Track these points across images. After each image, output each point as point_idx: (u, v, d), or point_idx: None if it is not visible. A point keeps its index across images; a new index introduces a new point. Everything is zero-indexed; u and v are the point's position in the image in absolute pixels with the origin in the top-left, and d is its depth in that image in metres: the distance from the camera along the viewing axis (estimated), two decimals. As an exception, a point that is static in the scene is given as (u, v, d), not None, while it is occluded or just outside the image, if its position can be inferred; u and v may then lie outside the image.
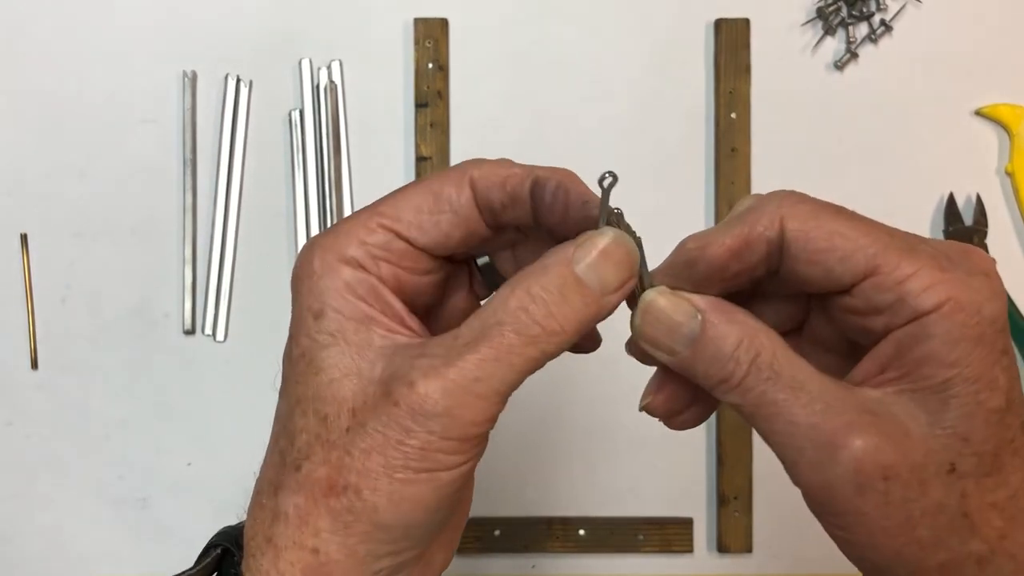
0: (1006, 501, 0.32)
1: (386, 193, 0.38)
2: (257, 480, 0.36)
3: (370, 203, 0.37)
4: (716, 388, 0.34)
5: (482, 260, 0.40)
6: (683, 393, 0.37)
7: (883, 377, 0.33)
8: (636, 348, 0.37)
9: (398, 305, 0.35)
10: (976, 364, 0.32)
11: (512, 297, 0.33)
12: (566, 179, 0.36)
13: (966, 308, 0.32)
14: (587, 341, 0.39)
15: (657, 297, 0.35)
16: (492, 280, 0.41)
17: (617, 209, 0.35)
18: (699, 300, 0.35)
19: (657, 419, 0.39)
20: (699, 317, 0.34)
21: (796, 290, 0.36)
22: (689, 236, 0.35)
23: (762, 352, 0.33)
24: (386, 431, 0.33)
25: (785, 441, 0.33)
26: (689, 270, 0.35)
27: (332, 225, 0.38)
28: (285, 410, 0.35)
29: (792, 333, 0.39)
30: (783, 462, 0.33)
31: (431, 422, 0.32)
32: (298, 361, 0.35)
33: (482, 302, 0.40)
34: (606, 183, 0.35)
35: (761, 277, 0.35)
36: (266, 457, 0.36)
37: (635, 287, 0.36)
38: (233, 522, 0.40)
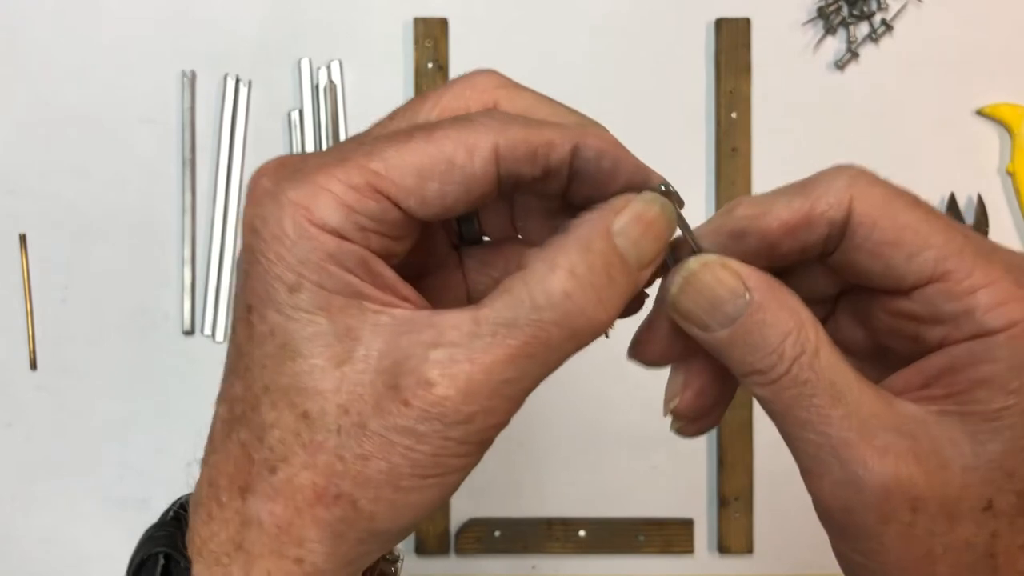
0: None
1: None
2: (205, 467, 0.31)
3: (355, 139, 0.30)
4: (746, 377, 0.30)
5: None
6: (711, 389, 0.33)
7: (927, 392, 0.30)
8: (649, 345, 0.33)
9: (390, 274, 0.29)
10: None
11: (553, 278, 0.28)
12: (612, 147, 0.30)
13: None
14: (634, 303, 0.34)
15: (703, 267, 0.30)
16: (470, 231, 0.35)
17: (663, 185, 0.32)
18: (749, 274, 0.30)
19: (678, 426, 0.34)
20: (747, 296, 0.29)
21: (841, 280, 0.33)
22: (740, 200, 0.31)
23: (807, 349, 0.29)
24: (391, 435, 0.28)
25: (812, 452, 0.29)
26: (736, 241, 0.31)
27: (300, 161, 0.29)
28: (243, 394, 0.29)
29: None
30: (804, 471, 0.30)
31: (449, 429, 0.28)
32: (265, 340, 0.28)
33: (465, 258, 0.35)
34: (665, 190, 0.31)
35: (809, 260, 0.32)
36: (214, 443, 0.30)
37: (667, 255, 0.31)
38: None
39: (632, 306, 0.32)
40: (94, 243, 0.73)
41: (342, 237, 0.28)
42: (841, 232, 0.30)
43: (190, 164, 0.73)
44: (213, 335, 0.73)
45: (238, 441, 0.29)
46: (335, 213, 0.28)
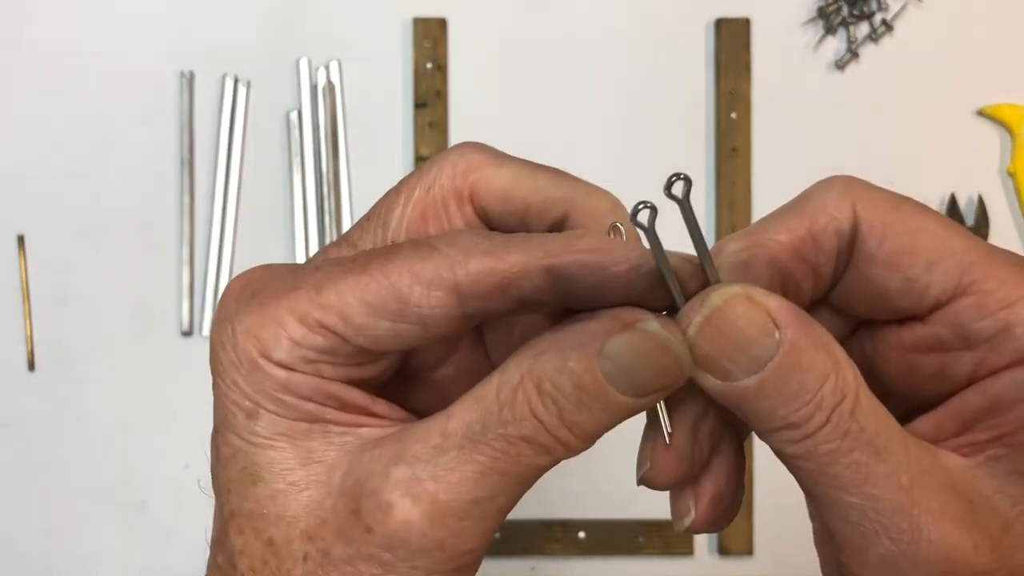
0: None
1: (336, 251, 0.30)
2: None
3: (306, 268, 0.28)
4: (775, 433, 0.25)
5: None
6: (727, 487, 0.28)
7: (968, 438, 0.26)
8: (664, 468, 0.28)
9: (354, 395, 0.27)
10: None
11: (520, 393, 0.25)
12: (597, 256, 0.25)
13: None
14: None
15: (726, 301, 0.25)
16: None
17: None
18: (778, 307, 0.25)
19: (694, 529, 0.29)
20: (777, 335, 0.24)
21: (848, 323, 0.28)
22: (724, 240, 0.27)
23: (847, 394, 0.24)
24: (356, 564, 0.26)
25: (854, 518, 0.24)
26: (740, 277, 0.26)
27: (261, 282, 0.28)
28: (217, 516, 0.28)
29: None
30: (841, 544, 0.25)
31: (416, 557, 0.25)
32: (229, 463, 0.27)
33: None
34: (643, 217, 0.25)
35: (825, 289, 0.27)
36: (208, 564, 0.29)
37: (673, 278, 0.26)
38: None
39: None
40: (92, 244, 0.73)
41: (291, 369, 0.26)
42: (850, 246, 0.26)
43: (188, 164, 0.73)
44: (212, 336, 0.73)
45: (217, 565, 0.28)
46: (281, 347, 0.26)
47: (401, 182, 0.30)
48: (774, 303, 0.25)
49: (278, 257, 0.73)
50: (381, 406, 0.28)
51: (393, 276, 0.26)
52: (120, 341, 0.73)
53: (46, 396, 0.72)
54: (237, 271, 0.72)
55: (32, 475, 0.72)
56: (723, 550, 0.72)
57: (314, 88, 0.73)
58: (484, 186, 0.29)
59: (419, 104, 0.73)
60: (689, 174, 0.25)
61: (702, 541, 0.73)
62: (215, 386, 0.27)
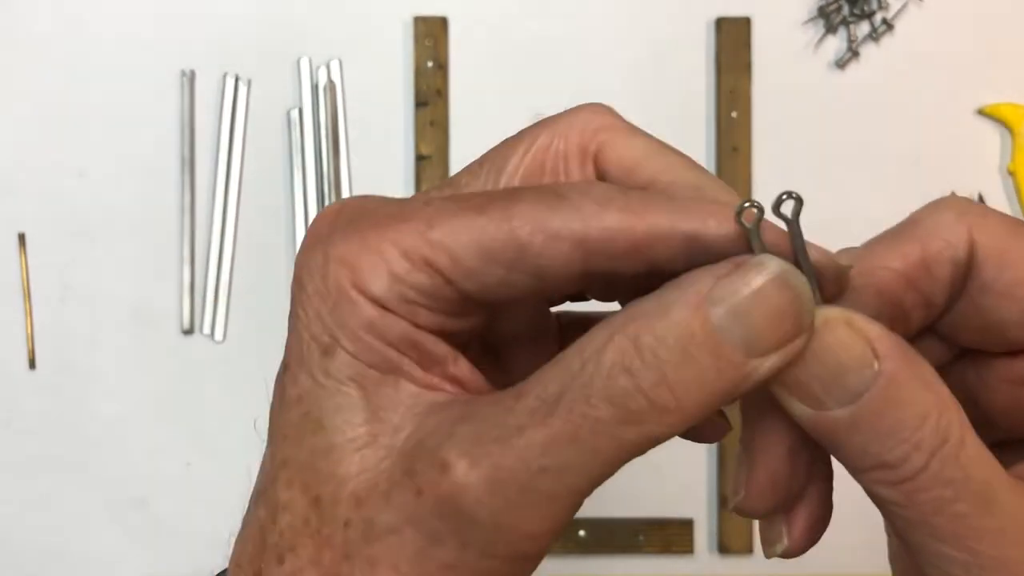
0: None
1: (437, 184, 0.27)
2: (236, 543, 0.27)
3: (414, 202, 0.25)
4: (868, 473, 0.23)
5: None
6: (820, 514, 0.26)
7: None
8: (762, 492, 0.25)
9: (441, 350, 0.25)
10: None
11: (609, 347, 0.22)
12: (738, 231, 0.23)
13: None
14: (708, 427, 0.29)
15: (824, 324, 0.23)
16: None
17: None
18: (879, 336, 0.23)
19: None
20: (876, 366, 0.22)
21: (952, 350, 0.27)
22: (832, 254, 0.25)
23: (951, 438, 0.22)
24: (402, 534, 0.23)
25: (955, 572, 0.23)
26: (847, 305, 0.24)
27: (359, 210, 0.25)
28: (267, 465, 0.25)
29: None
30: None
31: (469, 530, 0.23)
32: (292, 406, 0.25)
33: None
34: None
35: (935, 319, 0.26)
36: (245, 518, 0.26)
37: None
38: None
39: (709, 432, 0.27)
40: (93, 242, 0.73)
41: (384, 307, 0.24)
42: (964, 274, 0.25)
43: (189, 163, 0.73)
44: (212, 335, 0.73)
45: (257, 519, 0.25)
46: (380, 280, 0.24)
47: (524, 131, 0.28)
48: (875, 331, 0.23)
49: (278, 255, 0.73)
50: (463, 367, 0.25)
51: (515, 221, 0.23)
52: (121, 339, 0.73)
53: (47, 394, 0.72)
54: (238, 269, 0.73)
55: (32, 473, 0.72)
56: (723, 549, 0.72)
57: (315, 87, 0.73)
58: (612, 151, 0.28)
59: (420, 103, 0.73)
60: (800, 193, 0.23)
61: (702, 540, 0.73)
62: (294, 317, 0.25)
